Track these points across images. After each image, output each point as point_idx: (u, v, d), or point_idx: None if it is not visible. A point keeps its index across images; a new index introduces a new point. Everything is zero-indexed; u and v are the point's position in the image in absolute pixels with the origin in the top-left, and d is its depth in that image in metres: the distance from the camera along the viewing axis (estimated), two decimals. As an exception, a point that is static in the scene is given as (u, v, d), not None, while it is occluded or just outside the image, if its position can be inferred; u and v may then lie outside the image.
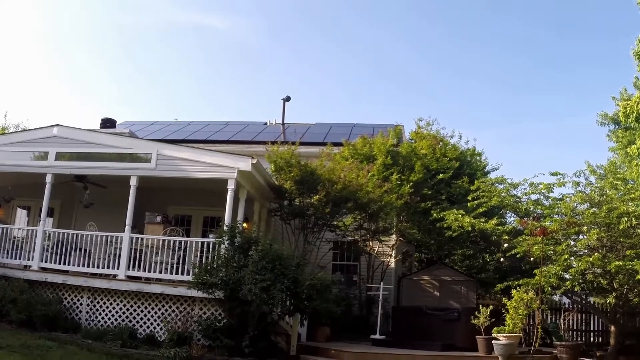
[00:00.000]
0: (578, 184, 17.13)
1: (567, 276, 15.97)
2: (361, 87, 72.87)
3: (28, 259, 16.87)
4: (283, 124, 29.69)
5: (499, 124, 70.09)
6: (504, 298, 15.67)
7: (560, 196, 17.76)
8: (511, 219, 21.76)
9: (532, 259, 16.57)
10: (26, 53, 67.87)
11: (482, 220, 17.75)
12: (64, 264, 16.48)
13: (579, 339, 20.08)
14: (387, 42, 65.64)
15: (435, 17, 63.89)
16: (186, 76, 71.96)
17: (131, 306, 15.71)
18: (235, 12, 66.88)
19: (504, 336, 14.24)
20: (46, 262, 16.64)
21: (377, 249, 21.49)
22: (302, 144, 21.20)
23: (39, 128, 17.84)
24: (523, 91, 67.33)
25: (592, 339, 20.64)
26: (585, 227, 15.99)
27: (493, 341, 14.25)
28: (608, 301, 17.55)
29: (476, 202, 18.44)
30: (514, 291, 15.30)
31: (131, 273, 15.95)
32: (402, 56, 67.18)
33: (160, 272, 15.88)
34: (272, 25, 67.73)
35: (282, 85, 73.44)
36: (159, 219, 17.11)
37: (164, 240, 16.20)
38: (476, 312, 15.29)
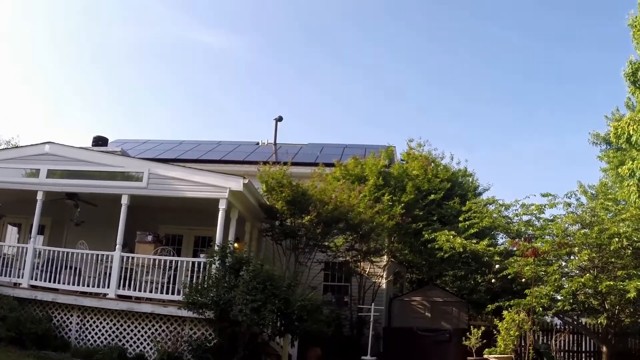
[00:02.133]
0: (569, 205, 17.23)
1: (559, 297, 16.00)
2: (356, 107, 73.22)
3: (18, 277, 16.76)
4: (275, 144, 29.77)
5: (494, 143, 70.41)
6: (495, 319, 15.69)
7: (552, 217, 17.84)
8: (502, 240, 21.82)
9: (523, 279, 16.59)
10: (17, 68, 67.87)
11: (474, 241, 17.79)
12: (54, 282, 16.37)
13: (570, 360, 20.08)
14: (384, 61, 65.96)
15: (432, 36, 64.31)
16: (178, 93, 72.06)
17: (121, 325, 15.61)
18: (231, 30, 67.20)
19: (495, 357, 14.23)
20: (36, 280, 16.54)
21: (368, 269, 21.46)
22: (294, 164, 21.23)
23: (31, 145, 17.80)
24: (518, 108, 67.80)
25: (584, 359, 20.63)
26: (577, 248, 16.05)
27: (484, 362, 14.24)
28: (599, 322, 17.55)
29: (467, 223, 18.48)
30: (505, 312, 15.31)
31: (121, 292, 15.86)
32: (399, 76, 67.44)
33: (151, 291, 15.79)
34: (267, 44, 68.02)
35: (274, 104, 73.54)
36: (149, 238, 17.03)
37: (154, 260, 16.13)
38: (467, 333, 15.30)
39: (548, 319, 20.86)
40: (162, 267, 16.00)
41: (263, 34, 67.01)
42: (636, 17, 18.02)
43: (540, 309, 15.97)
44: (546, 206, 17.45)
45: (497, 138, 70.27)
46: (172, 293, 15.56)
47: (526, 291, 15.66)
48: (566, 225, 16.71)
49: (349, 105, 73.07)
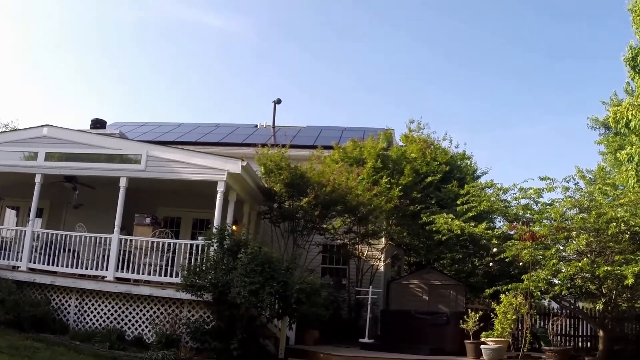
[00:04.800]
0: (567, 189, 17.21)
1: (556, 281, 16.00)
2: (355, 93, 73.12)
3: (16, 260, 16.80)
4: (274, 126, 29.70)
5: (494, 127, 70.37)
6: (492, 302, 15.72)
7: (550, 201, 17.81)
8: (500, 224, 21.80)
9: (521, 263, 16.59)
10: (16, 52, 67.61)
11: (472, 224, 17.77)
12: (53, 264, 16.40)
13: (567, 344, 20.15)
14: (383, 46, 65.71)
15: (430, 22, 64.04)
16: (177, 76, 71.81)
17: (119, 308, 15.66)
18: (231, 11, 66.87)
19: (492, 341, 14.27)
20: (35, 262, 16.58)
21: (366, 252, 21.49)
22: (293, 146, 21.18)
23: (29, 128, 17.77)
24: (520, 92, 67.73)
25: (580, 344, 20.69)
26: (575, 232, 16.03)
27: (482, 346, 14.29)
28: (597, 306, 17.58)
29: (466, 206, 18.47)
30: (502, 296, 15.34)
31: (120, 274, 15.89)
32: (397, 59, 67.21)
33: (149, 273, 15.83)
34: (266, 27, 67.80)
35: (273, 88, 73.42)
36: (148, 220, 17.04)
37: (152, 242, 16.16)
38: (465, 317, 15.34)
39: (545, 303, 20.90)
40: (160, 249, 16.03)
41: (260, 17, 66.77)
42: (636, 1, 17.90)
43: (538, 292, 15.96)
44: (544, 190, 17.44)
45: (496, 123, 70.16)
46: (171, 275, 15.60)
47: (524, 276, 15.67)
48: (564, 209, 16.69)
49: (347, 93, 72.95)
